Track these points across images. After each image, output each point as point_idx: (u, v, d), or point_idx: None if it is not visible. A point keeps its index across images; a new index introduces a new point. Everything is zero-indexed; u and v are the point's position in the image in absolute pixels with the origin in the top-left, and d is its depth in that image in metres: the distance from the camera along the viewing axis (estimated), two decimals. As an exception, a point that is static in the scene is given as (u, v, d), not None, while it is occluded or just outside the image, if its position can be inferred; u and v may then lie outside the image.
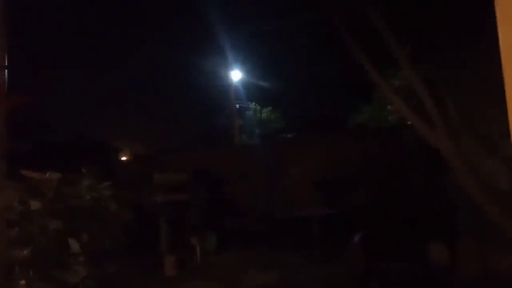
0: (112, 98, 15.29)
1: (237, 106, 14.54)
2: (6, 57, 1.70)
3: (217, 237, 7.74)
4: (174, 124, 14.91)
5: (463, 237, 5.15)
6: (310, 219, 7.49)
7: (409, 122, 6.93)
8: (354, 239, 5.34)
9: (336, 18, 6.71)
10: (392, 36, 5.24)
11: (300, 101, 13.49)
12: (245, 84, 14.38)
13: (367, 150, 8.49)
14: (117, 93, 15.37)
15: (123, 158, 15.70)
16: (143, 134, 15.43)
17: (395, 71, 8.23)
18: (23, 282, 1.59)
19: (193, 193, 7.88)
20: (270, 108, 14.24)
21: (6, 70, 1.62)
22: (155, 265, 6.52)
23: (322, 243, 6.83)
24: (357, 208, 7.98)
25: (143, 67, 14.19)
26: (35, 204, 1.51)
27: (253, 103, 14.33)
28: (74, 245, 1.65)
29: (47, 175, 1.78)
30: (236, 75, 14.21)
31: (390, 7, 5.68)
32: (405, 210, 7.41)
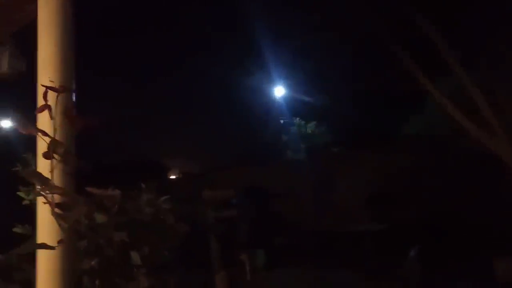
0: (159, 117, 15.83)
1: (282, 121, 14.58)
2: (74, 79, 1.82)
3: (266, 254, 7.72)
4: (220, 142, 15.18)
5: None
6: (361, 234, 7.29)
7: (463, 130, 6.63)
8: (411, 254, 5.12)
9: (383, 28, 6.62)
10: (444, 42, 5.09)
11: (346, 114, 13.30)
12: (288, 99, 14.42)
13: (419, 161, 8.20)
14: (165, 112, 15.89)
15: (173, 177, 16.15)
16: (191, 153, 15.81)
17: (444, 79, 7.95)
18: (91, 292, 1.68)
19: (242, 210, 7.94)
20: (314, 122, 14.17)
21: (75, 93, 1.73)
22: (206, 282, 6.59)
23: (374, 259, 6.62)
24: (410, 222, 7.67)
25: (188, 86, 14.63)
26: (100, 218, 1.59)
27: (298, 118, 14.32)
28: (135, 257, 1.72)
29: (109, 191, 1.87)
30: (279, 91, 14.29)
31: (441, 12, 5.53)
32: (464, 223, 7.02)
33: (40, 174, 1.49)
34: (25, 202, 2.15)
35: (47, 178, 1.50)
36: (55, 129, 1.62)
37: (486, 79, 5.32)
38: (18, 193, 2.14)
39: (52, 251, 1.61)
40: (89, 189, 1.96)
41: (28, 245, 1.65)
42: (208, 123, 15.14)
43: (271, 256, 7.68)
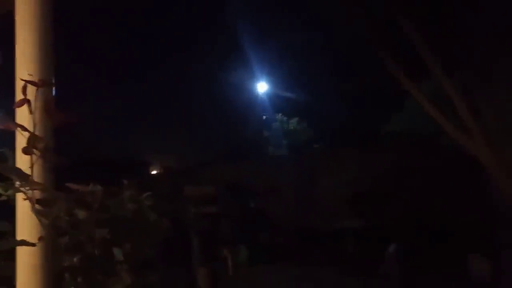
0: (140, 113, 15.66)
1: (264, 117, 14.60)
2: (54, 73, 1.79)
3: (249, 250, 7.74)
4: (202, 138, 15.11)
5: (506, 250, 4.92)
6: (342, 232, 7.38)
7: (443, 131, 6.75)
8: (389, 251, 5.21)
9: (366, 28, 6.69)
10: (425, 44, 5.17)
11: (328, 111, 13.41)
12: (271, 95, 14.46)
13: (399, 161, 8.33)
14: (145, 107, 15.74)
15: (154, 172, 16.00)
16: (172, 148, 15.69)
17: (426, 80, 8.09)
18: (72, 289, 1.65)
19: (224, 206, 7.93)
20: (296, 119, 14.23)
21: (54, 88, 1.70)
22: (188, 277, 6.57)
23: (355, 256, 6.71)
24: (391, 220, 7.80)
25: (170, 81, 14.50)
26: (81, 214, 1.57)
27: (280, 114, 14.35)
28: (118, 254, 1.70)
29: (90, 187, 1.85)
30: (262, 86, 14.32)
31: (423, 15, 5.62)
32: (441, 221, 7.18)
33: (20, 170, 1.46)
34: (3, 198, 2.09)
35: (27, 174, 1.47)
36: (34, 124, 1.59)
37: (464, 81, 5.44)
38: (-5, 188, 2.09)
39: (32, 247, 1.58)
40: (69, 185, 1.93)
41: (7, 241, 1.61)
42: (190, 118, 15.06)
43: (253, 252, 7.71)
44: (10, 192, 2.10)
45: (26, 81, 1.55)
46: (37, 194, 1.56)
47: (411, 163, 8.35)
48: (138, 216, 1.87)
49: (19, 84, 1.71)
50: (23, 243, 1.52)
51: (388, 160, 8.66)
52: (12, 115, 1.79)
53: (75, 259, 1.59)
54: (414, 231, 6.74)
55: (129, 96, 14.59)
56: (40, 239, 1.55)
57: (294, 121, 14.02)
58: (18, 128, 1.50)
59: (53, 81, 1.75)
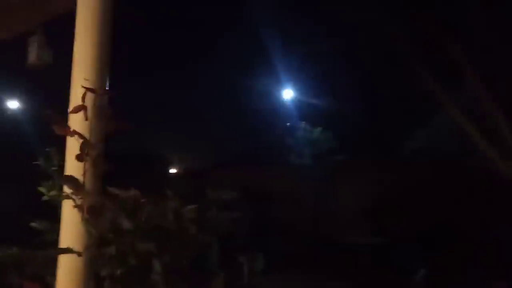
0: (164, 112, 15.79)
1: (288, 125, 14.53)
2: (108, 81, 1.78)
3: (265, 257, 7.68)
4: (223, 140, 15.14)
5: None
6: (360, 247, 7.26)
7: (471, 148, 6.51)
8: (417, 278, 5.04)
9: (398, 37, 6.54)
10: (464, 56, 4.97)
11: (352, 122, 13.27)
12: (296, 103, 14.38)
13: (423, 177, 8.14)
14: (169, 107, 15.86)
15: (174, 171, 16.11)
16: (193, 149, 15.76)
17: (458, 93, 7.86)
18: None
19: (243, 212, 7.90)
20: (320, 128, 14.12)
21: (108, 95, 1.68)
22: (202, 283, 6.54)
23: (373, 274, 6.57)
24: (411, 239, 7.61)
25: (196, 83, 14.59)
26: (127, 224, 1.56)
27: (304, 123, 14.27)
28: (157, 265, 1.68)
29: (131, 192, 1.83)
30: (288, 94, 14.26)
31: (461, 26, 5.42)
32: (465, 242, 6.96)
33: (75, 179, 1.45)
34: (45, 198, 2.10)
35: (81, 184, 1.46)
36: (90, 131, 1.58)
37: (505, 96, 5.15)
38: (39, 188, 2.10)
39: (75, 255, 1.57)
40: (110, 189, 1.92)
41: (53, 250, 1.61)
42: (214, 121, 15.11)
43: (270, 260, 7.61)
44: (53, 193, 2.11)
45: (87, 88, 1.55)
46: (86, 202, 1.55)
47: (435, 181, 8.15)
48: (179, 228, 1.85)
49: (74, 89, 1.71)
50: (69, 251, 1.52)
51: (411, 175, 8.48)
52: (58, 114, 1.79)
53: (115, 269, 1.58)
54: (437, 253, 6.56)
55: (155, 95, 14.73)
56: (86, 248, 1.54)
57: (317, 130, 13.91)
58: (76, 136, 1.50)
59: (107, 88, 1.74)
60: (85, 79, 1.70)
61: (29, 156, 2.31)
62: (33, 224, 2.12)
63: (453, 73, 5.83)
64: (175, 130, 15.69)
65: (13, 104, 12.25)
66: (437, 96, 5.85)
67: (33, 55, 2.33)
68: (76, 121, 1.64)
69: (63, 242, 1.63)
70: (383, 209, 8.43)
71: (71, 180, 1.43)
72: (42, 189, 2.09)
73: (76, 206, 1.47)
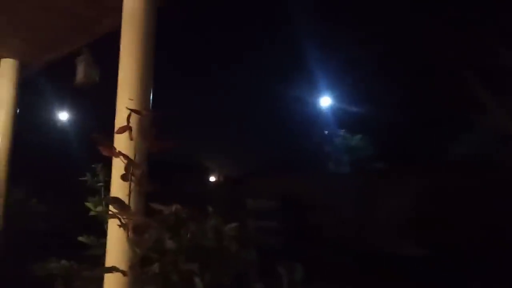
0: (204, 119, 16.02)
1: (326, 132, 14.35)
2: (151, 101, 1.80)
3: (304, 268, 7.56)
4: (262, 148, 15.17)
5: None
6: (402, 257, 7.01)
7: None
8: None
9: (443, 42, 6.31)
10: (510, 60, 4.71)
11: (393, 129, 12.91)
12: (335, 110, 14.21)
13: (467, 186, 7.73)
14: (209, 115, 16.08)
15: (213, 178, 16.31)
16: (232, 157, 15.89)
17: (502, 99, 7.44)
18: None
19: (282, 221, 7.84)
20: (359, 136, 13.84)
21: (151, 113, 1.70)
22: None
23: (415, 284, 6.29)
24: (456, 252, 7.23)
25: (235, 91, 14.74)
26: (170, 244, 1.56)
27: (343, 130, 14.04)
28: (198, 283, 1.67)
29: (173, 208, 1.84)
30: (326, 101, 14.11)
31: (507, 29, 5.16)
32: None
33: (121, 201, 1.48)
34: (92, 213, 2.17)
35: (127, 206, 1.48)
36: (134, 151, 1.61)
37: None
38: (86, 203, 2.17)
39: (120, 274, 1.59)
40: (153, 205, 1.95)
41: (100, 268, 1.65)
42: (253, 129, 15.19)
43: (308, 270, 7.48)
44: (99, 209, 2.18)
45: (132, 110, 1.57)
46: (131, 222, 1.57)
47: (481, 189, 7.71)
48: (220, 246, 1.84)
49: (119, 109, 1.75)
50: (114, 270, 1.54)
51: (454, 184, 8.08)
52: (102, 131, 1.84)
53: (159, 288, 1.60)
54: (485, 268, 6.19)
55: (195, 103, 15.01)
56: (131, 267, 1.56)
57: (357, 137, 13.63)
58: (121, 157, 1.53)
59: (150, 107, 1.77)
60: (129, 99, 1.73)
61: (78, 170, 2.39)
62: (80, 239, 2.18)
63: (500, 77, 5.53)
64: (214, 138, 15.90)
65: (64, 116, 12.80)
66: (483, 100, 5.56)
67: (80, 73, 2.42)
68: (121, 141, 1.67)
69: (109, 260, 1.66)
70: (427, 218, 8.08)
71: (117, 201, 1.45)
72: (89, 205, 2.16)
73: (121, 225, 1.49)
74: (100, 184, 2.23)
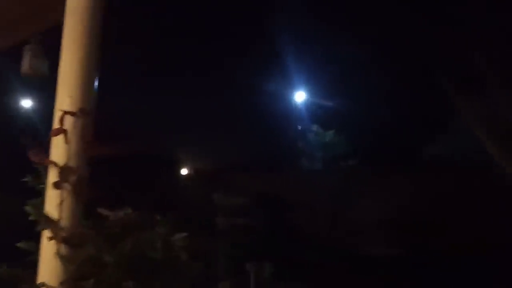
0: (175, 111, 15.75)
1: (299, 128, 14.29)
2: (95, 101, 1.66)
3: (274, 265, 7.52)
4: (235, 143, 15.01)
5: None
6: (376, 259, 7.07)
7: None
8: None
9: (418, 40, 6.29)
10: (484, 62, 4.65)
11: (367, 126, 12.99)
12: (309, 105, 14.15)
13: (443, 188, 7.85)
14: (181, 107, 15.82)
15: (185, 172, 16.06)
16: (204, 150, 15.68)
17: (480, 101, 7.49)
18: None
19: (253, 218, 7.76)
20: (332, 132, 13.83)
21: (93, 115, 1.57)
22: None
23: (388, 286, 6.37)
24: (431, 253, 7.32)
25: (208, 85, 14.50)
26: (109, 258, 1.43)
27: (316, 126, 14.00)
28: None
29: (122, 214, 1.71)
30: (300, 96, 14.04)
31: (482, 31, 5.13)
32: (492, 263, 6.63)
33: (46, 216, 1.33)
34: (32, 217, 2.00)
35: (53, 221, 1.34)
36: (69, 155, 1.46)
37: None
38: (26, 207, 2.00)
39: (53, 288, 1.46)
40: (100, 210, 1.81)
41: (26, 286, 1.50)
42: (225, 121, 14.99)
43: (279, 268, 7.47)
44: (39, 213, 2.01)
45: (65, 111, 1.43)
46: (61, 234, 1.43)
47: (457, 191, 7.84)
48: (168, 257, 1.73)
49: (59, 108, 1.60)
50: (43, 286, 1.40)
51: (430, 185, 8.20)
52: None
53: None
54: (460, 271, 6.28)
55: (167, 94, 14.70)
56: (61, 284, 1.42)
57: (330, 133, 13.61)
58: (52, 165, 1.38)
59: (93, 107, 1.63)
60: (69, 96, 1.58)
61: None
62: (19, 244, 2.02)
63: (473, 79, 5.53)
64: (187, 131, 15.63)
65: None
66: (455, 101, 5.56)
67: (26, 64, 2.24)
68: (57, 145, 1.52)
69: (42, 274, 1.52)
70: (401, 218, 8.17)
71: (43, 217, 1.31)
72: (28, 208, 1.99)
73: (51, 238, 1.35)
74: (42, 186, 2.07)
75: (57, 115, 1.53)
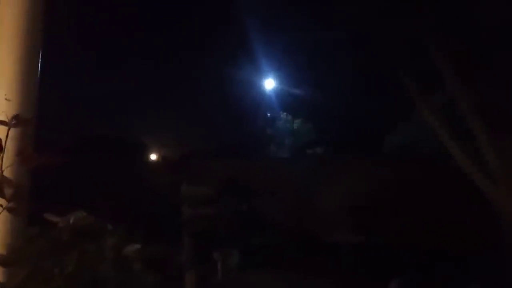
0: (143, 96, 15.43)
1: (268, 115, 14.30)
2: (36, 107, 1.52)
3: (241, 254, 7.51)
4: (204, 129, 14.86)
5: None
6: (341, 244, 7.18)
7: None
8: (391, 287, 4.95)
9: (377, 31, 6.31)
10: (442, 57, 4.69)
11: (334, 114, 13.13)
12: (278, 93, 14.15)
13: (404, 176, 8.04)
14: (150, 92, 15.50)
15: (153, 158, 15.77)
16: (173, 136, 15.45)
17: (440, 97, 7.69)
18: None
19: (220, 207, 7.70)
20: (300, 119, 13.92)
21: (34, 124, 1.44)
22: (175, 279, 6.35)
23: (353, 273, 6.49)
24: (391, 239, 7.54)
25: (177, 71, 14.22)
26: (51, 273, 1.32)
27: (285, 113, 14.05)
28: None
29: (71, 220, 1.60)
30: (269, 83, 14.00)
31: (442, 27, 5.19)
32: (444, 247, 6.91)
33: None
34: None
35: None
36: (2, 167, 1.33)
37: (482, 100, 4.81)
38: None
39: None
40: (47, 216, 1.68)
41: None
42: (194, 108, 14.79)
43: (246, 256, 7.48)
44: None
45: (-1, 121, 1.29)
46: (-1, 253, 1.31)
47: (415, 180, 8.06)
48: (120, 269, 1.63)
49: (-9, 111, 1.45)
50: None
51: (392, 174, 8.38)
52: None
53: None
54: (414, 256, 6.50)
55: (134, 79, 14.30)
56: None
57: (297, 121, 13.70)
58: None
59: (34, 117, 1.49)
60: (6, 98, 1.45)
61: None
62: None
63: (432, 74, 5.61)
64: (153, 118, 15.36)
65: None
66: (414, 95, 5.63)
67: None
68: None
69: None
70: (365, 206, 8.33)
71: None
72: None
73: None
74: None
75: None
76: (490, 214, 4.61)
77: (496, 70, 4.52)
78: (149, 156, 15.50)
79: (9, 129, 1.29)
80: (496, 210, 4.24)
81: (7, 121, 1.28)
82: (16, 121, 1.29)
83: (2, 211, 1.34)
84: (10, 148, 1.36)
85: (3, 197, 1.34)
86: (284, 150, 13.44)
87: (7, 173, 1.37)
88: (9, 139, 1.33)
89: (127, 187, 8.20)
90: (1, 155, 1.33)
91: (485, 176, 3.96)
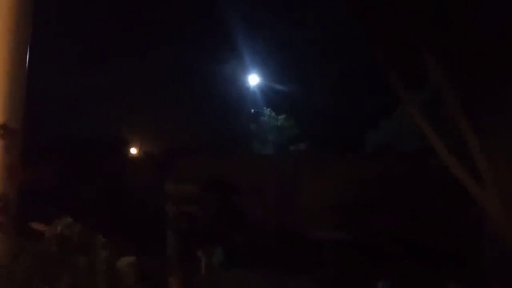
0: (126, 92, 15.21)
1: (252, 111, 14.24)
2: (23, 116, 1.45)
3: (224, 252, 7.48)
4: (187, 125, 14.72)
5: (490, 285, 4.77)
6: (324, 242, 7.22)
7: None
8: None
9: (361, 28, 6.30)
10: (428, 48, 4.68)
11: (316, 110, 13.19)
12: (262, 89, 14.12)
13: (386, 174, 8.12)
14: (132, 88, 15.27)
15: (134, 152, 15.54)
16: (155, 133, 15.26)
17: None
18: None
19: (204, 205, 7.63)
20: (284, 115, 13.92)
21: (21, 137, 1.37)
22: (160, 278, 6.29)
23: (336, 270, 6.54)
24: (373, 236, 7.62)
25: (162, 67, 14.03)
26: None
27: (268, 109, 14.02)
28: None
29: (59, 229, 1.54)
30: (253, 79, 13.95)
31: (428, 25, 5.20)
32: (425, 243, 7.03)
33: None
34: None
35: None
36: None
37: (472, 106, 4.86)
38: None
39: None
40: (34, 225, 1.62)
41: None
42: (178, 104, 14.63)
43: (229, 254, 7.46)
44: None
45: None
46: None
47: (397, 177, 8.14)
48: (112, 281, 1.58)
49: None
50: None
51: (374, 171, 8.44)
52: None
53: None
54: (397, 253, 6.59)
55: (117, 75, 14.05)
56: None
57: (281, 117, 13.69)
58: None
59: (21, 133, 1.42)
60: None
61: None
62: None
63: (417, 71, 5.62)
64: (136, 115, 15.15)
65: None
66: (398, 93, 5.61)
67: None
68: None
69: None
70: (347, 204, 8.39)
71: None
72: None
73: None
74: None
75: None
76: (473, 213, 4.69)
77: (484, 69, 4.56)
78: (132, 154, 15.28)
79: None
80: (480, 209, 4.32)
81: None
82: (4, 131, 1.23)
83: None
84: (-3, 161, 1.30)
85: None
86: (267, 146, 13.43)
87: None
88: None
89: (110, 185, 8.06)
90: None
91: (470, 176, 4.01)
